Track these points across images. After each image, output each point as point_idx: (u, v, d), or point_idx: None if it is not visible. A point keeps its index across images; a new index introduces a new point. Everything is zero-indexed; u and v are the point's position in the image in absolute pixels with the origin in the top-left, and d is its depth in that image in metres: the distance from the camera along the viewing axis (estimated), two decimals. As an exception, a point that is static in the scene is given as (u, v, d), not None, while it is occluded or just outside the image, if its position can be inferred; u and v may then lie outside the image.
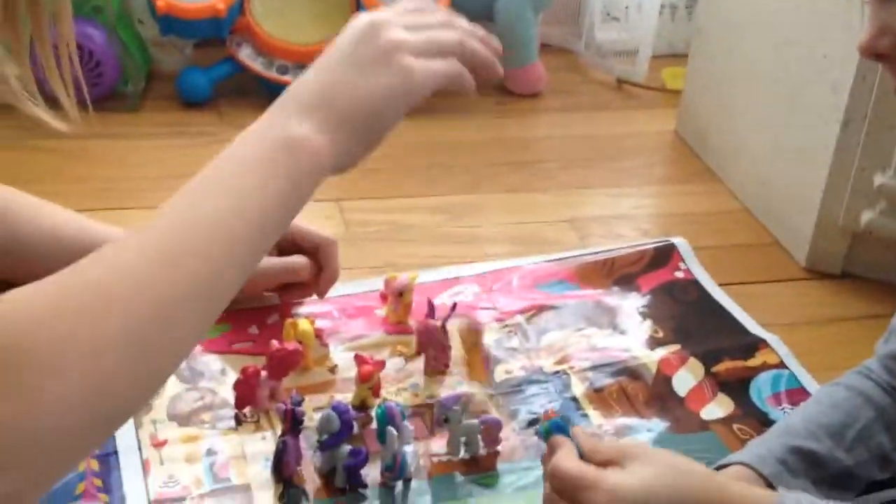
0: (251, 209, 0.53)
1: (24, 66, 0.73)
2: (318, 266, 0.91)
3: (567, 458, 0.63)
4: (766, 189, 1.16)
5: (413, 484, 0.76)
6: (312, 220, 1.09)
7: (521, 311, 0.96)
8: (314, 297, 0.93)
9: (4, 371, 0.42)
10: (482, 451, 0.80)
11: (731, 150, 1.23)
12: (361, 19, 0.60)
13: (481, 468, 0.79)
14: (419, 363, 0.88)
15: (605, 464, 0.62)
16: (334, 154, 0.57)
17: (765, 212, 1.17)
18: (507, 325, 0.94)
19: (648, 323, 0.96)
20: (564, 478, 0.61)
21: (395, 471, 0.75)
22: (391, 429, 0.75)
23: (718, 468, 0.69)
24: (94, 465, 0.74)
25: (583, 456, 0.63)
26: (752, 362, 0.91)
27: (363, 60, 0.59)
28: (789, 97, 1.10)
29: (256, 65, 1.31)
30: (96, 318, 0.45)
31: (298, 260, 0.90)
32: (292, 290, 0.92)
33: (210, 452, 0.77)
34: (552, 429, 0.66)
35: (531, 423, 0.82)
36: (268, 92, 1.35)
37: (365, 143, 0.61)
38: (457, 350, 0.89)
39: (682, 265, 1.04)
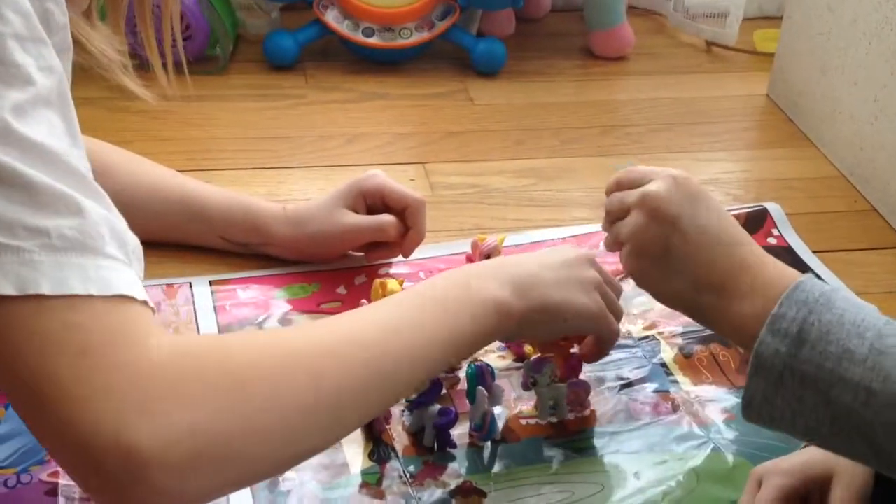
0: (451, 345, 0.62)
1: (119, 36, 0.74)
2: (406, 226, 0.91)
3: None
4: (864, 154, 1.12)
5: (500, 446, 0.76)
6: (397, 182, 1.10)
7: (609, 276, 0.95)
8: (399, 257, 0.93)
9: (236, 390, 0.49)
10: (569, 416, 0.79)
11: (826, 114, 1.19)
12: (570, 251, 0.73)
13: (568, 432, 0.78)
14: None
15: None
16: (519, 323, 0.67)
17: (862, 177, 1.13)
18: (593, 290, 0.93)
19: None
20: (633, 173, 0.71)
21: (484, 430, 0.75)
22: (481, 388, 0.75)
23: None
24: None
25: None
26: (849, 331, 0.89)
27: (573, 276, 0.70)
28: (892, 57, 1.06)
29: (343, 28, 1.31)
30: (315, 375, 0.52)
31: (387, 219, 0.90)
32: (379, 249, 0.93)
33: (301, 409, 0.78)
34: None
35: (622, 387, 0.82)
36: (354, 55, 1.35)
37: (535, 332, 0.72)
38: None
39: (775, 231, 1.02)
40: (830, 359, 0.55)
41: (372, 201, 0.91)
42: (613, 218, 0.72)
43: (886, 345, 0.55)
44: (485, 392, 0.75)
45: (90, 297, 0.47)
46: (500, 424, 0.77)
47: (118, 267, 0.49)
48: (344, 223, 0.90)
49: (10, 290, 0.46)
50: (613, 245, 0.73)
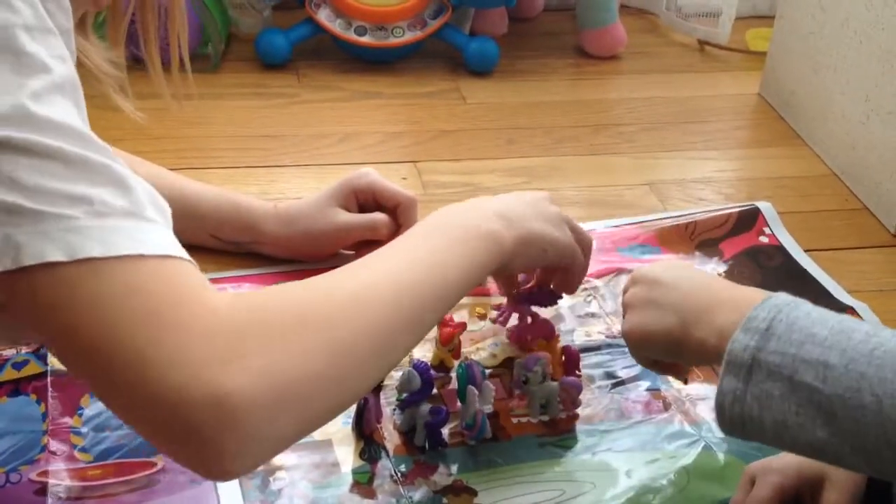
0: (453, 277, 0.64)
1: (118, 50, 0.74)
2: (397, 224, 0.91)
3: None
4: (855, 152, 1.13)
5: (491, 444, 0.76)
6: (390, 181, 1.10)
7: (601, 275, 0.95)
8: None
9: (298, 332, 0.51)
10: (561, 414, 0.79)
11: (818, 113, 1.20)
12: (529, 192, 0.77)
13: (559, 430, 0.78)
14: (496, 325, 0.87)
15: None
16: (511, 253, 0.70)
17: (853, 176, 1.13)
18: (585, 289, 0.93)
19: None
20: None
21: (475, 429, 0.75)
22: (472, 388, 0.74)
23: None
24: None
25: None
26: (840, 330, 0.89)
27: (542, 211, 0.74)
28: (883, 56, 1.06)
29: (335, 26, 1.31)
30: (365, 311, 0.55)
31: (378, 217, 0.90)
32: (370, 247, 0.92)
33: (292, 408, 0.78)
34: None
35: (613, 386, 0.82)
36: (346, 53, 1.35)
37: (521, 263, 0.74)
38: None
39: (766, 230, 1.02)
40: (794, 345, 0.56)
41: (363, 199, 0.91)
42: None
43: (844, 326, 0.56)
44: (475, 391, 0.75)
45: (142, 257, 0.48)
46: (492, 423, 0.77)
47: (161, 230, 0.50)
48: (335, 221, 0.90)
49: (59, 256, 0.46)
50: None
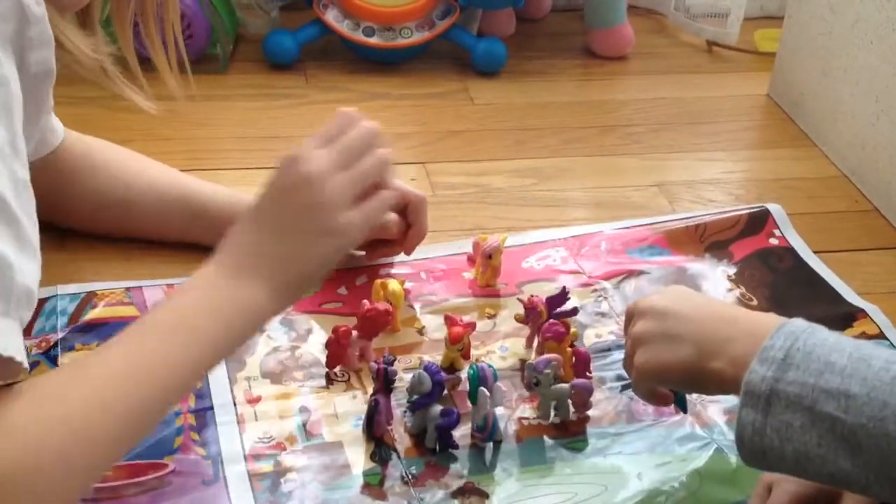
0: (203, 356, 0.62)
1: (125, 43, 0.74)
2: (407, 223, 0.90)
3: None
4: (865, 154, 1.12)
5: (502, 446, 0.76)
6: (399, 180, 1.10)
7: (610, 276, 0.95)
8: (401, 255, 0.93)
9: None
10: (572, 416, 0.79)
11: (828, 114, 1.19)
12: (289, 173, 0.67)
13: (570, 432, 0.78)
14: (506, 326, 0.87)
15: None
16: (273, 309, 0.66)
17: (863, 177, 1.13)
18: (595, 290, 0.93)
19: (740, 290, 0.93)
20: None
21: (487, 432, 0.75)
22: (483, 389, 0.74)
23: None
24: (192, 419, 0.75)
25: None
26: (851, 332, 0.89)
27: (311, 229, 0.66)
28: (894, 57, 1.06)
29: (343, 27, 1.31)
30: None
31: (389, 216, 0.89)
32: (380, 247, 0.92)
33: (303, 410, 0.78)
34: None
35: (623, 388, 0.82)
36: (354, 54, 1.35)
37: (297, 295, 0.69)
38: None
39: (776, 232, 1.02)
40: (813, 375, 0.56)
41: None
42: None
43: (863, 353, 0.56)
44: (487, 393, 0.74)
45: None
46: (502, 425, 0.77)
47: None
48: None
49: None
50: (625, 362, 0.74)
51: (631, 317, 0.72)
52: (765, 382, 0.57)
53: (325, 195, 0.66)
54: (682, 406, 0.76)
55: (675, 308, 0.68)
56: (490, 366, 0.77)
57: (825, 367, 0.56)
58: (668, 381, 0.70)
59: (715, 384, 0.64)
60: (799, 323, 0.60)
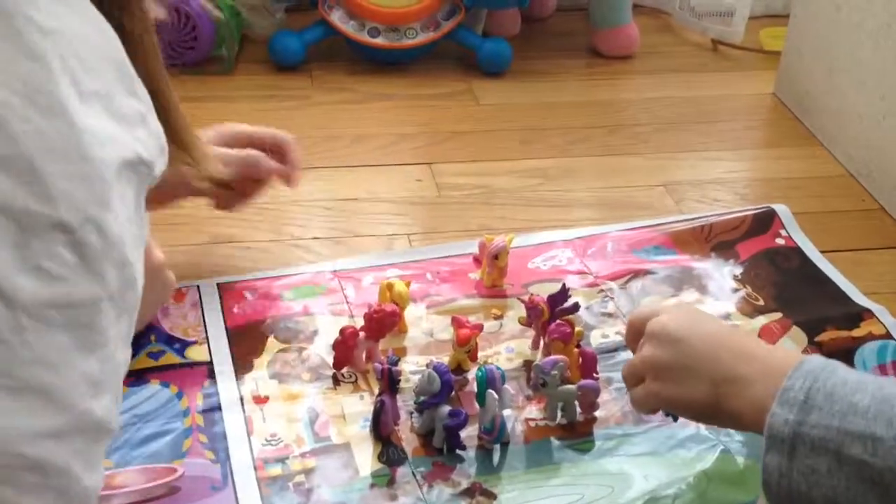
0: None
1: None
2: (279, 161, 0.90)
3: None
4: (871, 153, 1.12)
5: (509, 447, 0.76)
6: (404, 184, 1.10)
7: (616, 277, 0.95)
8: (405, 258, 0.93)
9: None
10: (579, 417, 0.79)
11: (834, 113, 1.19)
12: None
13: (577, 433, 0.78)
14: (513, 327, 0.87)
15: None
16: None
17: (869, 176, 1.12)
18: (601, 290, 0.93)
19: (746, 290, 0.93)
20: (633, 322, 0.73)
21: (494, 433, 0.75)
22: (491, 392, 0.74)
23: None
24: (200, 420, 0.76)
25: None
26: (857, 332, 0.89)
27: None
28: (899, 57, 1.06)
29: (348, 28, 1.31)
30: None
31: (254, 152, 0.89)
32: (253, 187, 0.91)
33: (310, 411, 0.78)
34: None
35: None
36: (359, 55, 1.35)
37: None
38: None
39: (782, 232, 1.01)
40: (836, 417, 0.55)
41: (236, 146, 0.89)
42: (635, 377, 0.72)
43: (886, 393, 0.56)
44: (495, 395, 0.75)
45: None
46: (509, 426, 0.77)
47: None
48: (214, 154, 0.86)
49: None
50: (629, 381, 0.73)
51: (637, 331, 0.72)
52: (787, 426, 0.56)
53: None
54: (675, 415, 0.76)
55: (688, 337, 0.66)
56: (498, 368, 0.77)
57: (848, 409, 0.55)
58: (681, 413, 0.70)
59: (732, 423, 0.64)
60: (817, 361, 0.59)
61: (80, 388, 0.41)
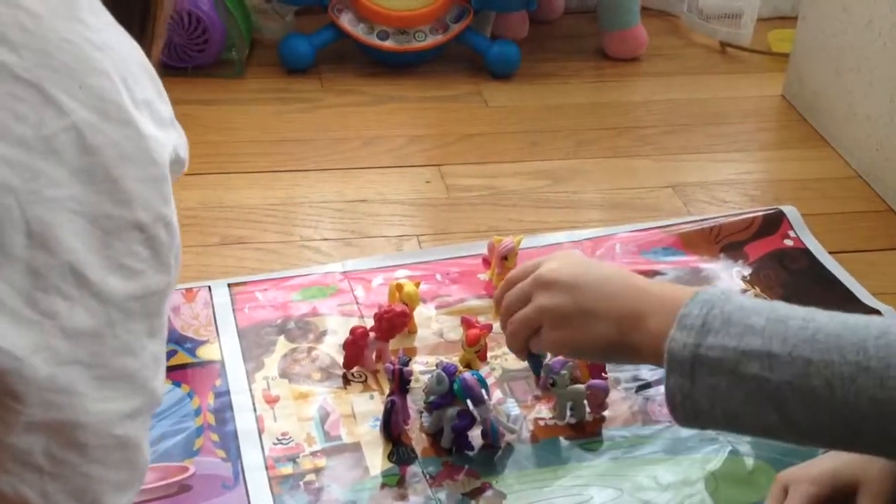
0: None
1: (157, 45, 0.74)
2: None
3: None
4: (879, 154, 1.12)
5: (518, 447, 0.77)
6: (413, 185, 1.11)
7: (625, 278, 0.95)
8: (416, 259, 0.93)
9: None
10: (588, 417, 0.79)
11: (842, 114, 1.19)
12: None
13: (586, 433, 0.78)
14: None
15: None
16: None
17: (878, 177, 1.13)
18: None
19: (755, 291, 0.94)
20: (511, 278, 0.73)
21: (489, 438, 0.76)
22: (484, 398, 0.75)
23: None
24: (211, 419, 0.76)
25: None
26: (866, 332, 0.89)
27: None
28: (907, 58, 1.06)
29: (357, 31, 1.31)
30: None
31: None
32: None
33: (321, 410, 0.78)
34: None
35: (639, 389, 0.82)
36: (368, 58, 1.35)
37: None
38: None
39: (791, 233, 1.02)
40: (734, 338, 0.57)
41: None
42: (514, 311, 0.72)
43: (781, 314, 0.57)
44: (472, 406, 0.75)
45: None
46: (519, 426, 0.78)
47: None
48: None
49: None
50: (522, 332, 0.72)
51: (517, 281, 0.72)
52: (687, 349, 0.58)
53: None
54: (537, 369, 0.78)
55: (584, 283, 0.67)
56: (474, 373, 0.77)
57: (745, 330, 0.57)
58: (583, 355, 0.72)
59: (633, 356, 0.65)
60: (712, 290, 0.61)
61: (150, 370, 0.45)
